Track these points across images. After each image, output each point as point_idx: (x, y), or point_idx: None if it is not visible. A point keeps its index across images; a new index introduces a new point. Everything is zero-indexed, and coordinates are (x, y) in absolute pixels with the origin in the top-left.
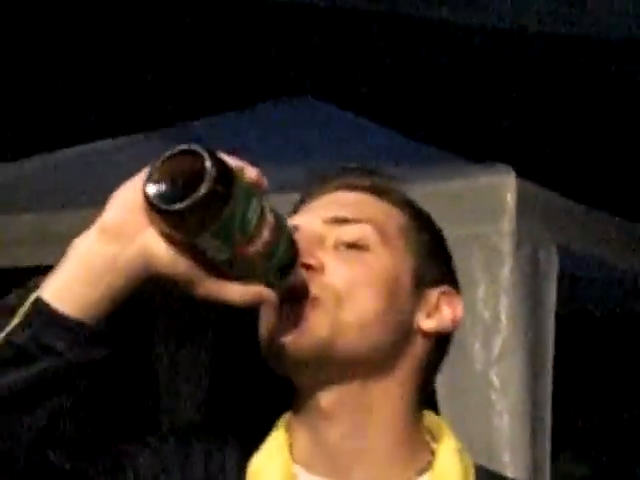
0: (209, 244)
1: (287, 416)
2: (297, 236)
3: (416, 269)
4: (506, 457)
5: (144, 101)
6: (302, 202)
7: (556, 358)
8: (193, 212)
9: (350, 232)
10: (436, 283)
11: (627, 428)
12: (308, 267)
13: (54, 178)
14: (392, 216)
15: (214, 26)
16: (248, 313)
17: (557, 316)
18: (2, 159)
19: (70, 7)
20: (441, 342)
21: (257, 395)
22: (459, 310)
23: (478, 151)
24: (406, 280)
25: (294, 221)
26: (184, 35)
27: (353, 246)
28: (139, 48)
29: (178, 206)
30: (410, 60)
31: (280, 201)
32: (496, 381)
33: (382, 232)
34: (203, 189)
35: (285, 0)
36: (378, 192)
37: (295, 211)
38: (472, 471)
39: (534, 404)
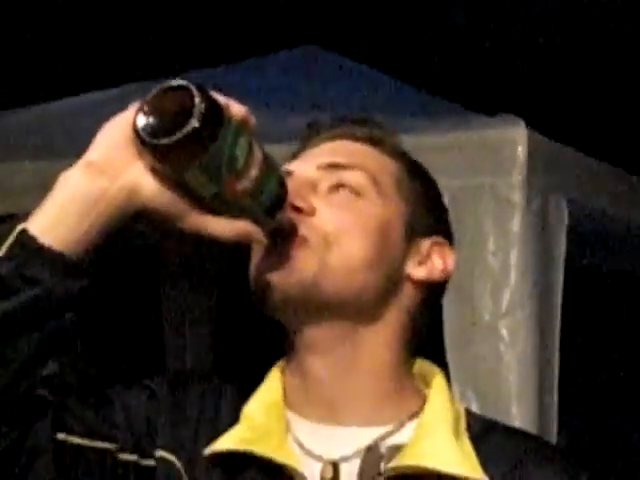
0: (197, 180)
1: (281, 362)
2: (290, 181)
3: (408, 218)
4: (514, 409)
5: (147, 50)
6: (299, 151)
7: (563, 312)
8: (181, 146)
9: (343, 178)
10: (428, 233)
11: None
12: (299, 210)
13: (59, 126)
14: (387, 165)
15: None
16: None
17: (565, 270)
18: (5, 107)
19: None
20: (432, 292)
21: (258, 340)
22: (450, 261)
23: (489, 104)
24: (397, 228)
25: (289, 167)
26: None
27: (345, 191)
28: None
29: (166, 140)
30: (420, 12)
31: (287, 151)
32: (505, 333)
33: (375, 180)
34: (191, 124)
35: None
36: (374, 142)
37: (293, 159)
38: (463, 417)
39: (542, 357)
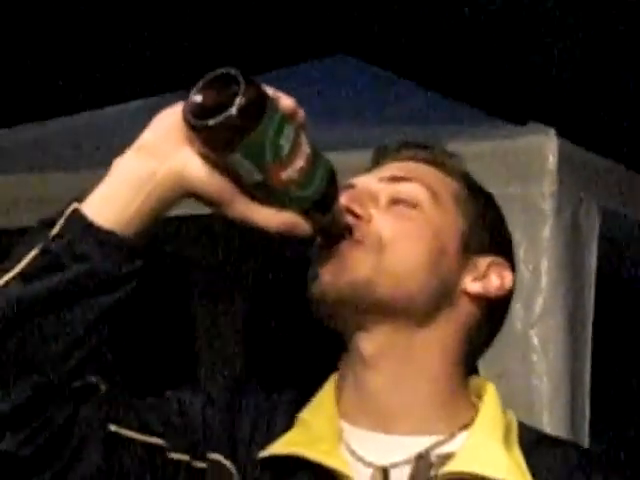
0: (241, 165)
1: (336, 374)
2: (351, 190)
3: (465, 233)
4: (545, 418)
5: (177, 62)
6: (366, 171)
7: (595, 321)
8: (223, 129)
9: (402, 189)
10: (486, 252)
11: None
12: (356, 216)
13: (89, 137)
14: (447, 183)
15: None
16: (286, 271)
17: (597, 279)
18: (32, 119)
19: None
20: (491, 309)
21: (288, 349)
22: (508, 281)
23: (520, 112)
24: (454, 242)
25: (352, 181)
26: None
27: (404, 202)
28: (172, 6)
29: (209, 122)
30: (449, 21)
31: None
32: (536, 341)
33: (434, 193)
34: (234, 108)
35: None
36: (436, 164)
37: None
38: (515, 428)
39: (573, 366)
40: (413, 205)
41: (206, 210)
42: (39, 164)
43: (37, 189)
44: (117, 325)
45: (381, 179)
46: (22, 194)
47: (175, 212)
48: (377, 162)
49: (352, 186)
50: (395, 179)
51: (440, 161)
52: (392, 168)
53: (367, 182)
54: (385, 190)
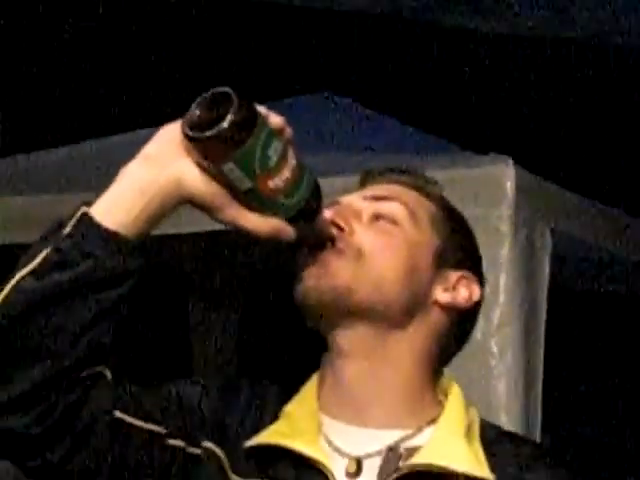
0: (233, 174)
1: (318, 372)
2: (337, 206)
3: (438, 249)
4: (502, 416)
5: (174, 95)
6: (360, 187)
7: (547, 330)
8: (218, 140)
9: (384, 207)
10: (457, 266)
11: (605, 398)
12: (340, 228)
13: (108, 160)
14: (424, 204)
15: (235, 28)
16: (273, 282)
17: (549, 292)
18: (60, 143)
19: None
20: (460, 318)
21: (285, 352)
22: (476, 294)
23: (483, 145)
24: (428, 257)
25: (343, 198)
26: (211, 34)
27: (385, 218)
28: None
29: (205, 134)
30: (422, 64)
31: None
32: (495, 349)
33: (412, 213)
34: (227, 122)
35: (301, 5)
36: (415, 187)
37: None
38: (477, 424)
39: (528, 370)
40: (393, 222)
41: (203, 228)
42: (59, 186)
43: (56, 208)
44: (121, 323)
45: (365, 198)
46: (42, 213)
47: (176, 230)
48: (362, 184)
49: (338, 203)
50: (377, 198)
51: (419, 185)
52: (375, 189)
53: (351, 200)
54: (368, 207)
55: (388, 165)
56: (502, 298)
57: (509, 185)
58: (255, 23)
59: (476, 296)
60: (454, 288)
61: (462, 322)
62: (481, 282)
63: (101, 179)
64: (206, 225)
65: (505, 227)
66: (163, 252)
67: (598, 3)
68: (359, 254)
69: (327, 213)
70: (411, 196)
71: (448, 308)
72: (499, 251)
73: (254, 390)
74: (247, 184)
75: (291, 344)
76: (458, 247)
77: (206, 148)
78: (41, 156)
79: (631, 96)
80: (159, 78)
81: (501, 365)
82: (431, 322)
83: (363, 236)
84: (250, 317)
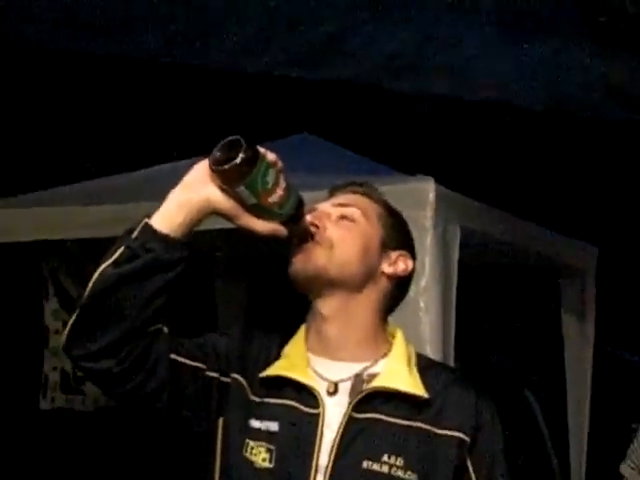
0: (243, 193)
1: (305, 324)
2: (315, 211)
3: (383, 237)
4: (428, 350)
5: (199, 139)
6: (326, 199)
7: (460, 292)
8: (232, 172)
9: (346, 210)
10: (396, 248)
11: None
12: (317, 227)
13: (164, 180)
14: (372, 206)
15: (240, 101)
16: (275, 262)
17: (465, 266)
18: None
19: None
20: (399, 283)
21: (283, 311)
22: (409, 266)
23: (413, 168)
24: (376, 242)
25: (317, 205)
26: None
27: (347, 218)
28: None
29: (225, 167)
30: (374, 112)
31: None
32: (422, 304)
33: (365, 213)
34: (238, 159)
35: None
36: (365, 194)
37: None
38: (414, 356)
39: (444, 319)
40: (352, 220)
41: (226, 225)
42: (135, 197)
43: (132, 212)
44: (171, 295)
45: (333, 204)
46: (124, 216)
47: (207, 227)
48: (331, 194)
49: (315, 209)
50: (342, 204)
51: (369, 193)
52: (340, 198)
53: (324, 206)
54: (335, 211)
55: (347, 181)
56: (427, 270)
57: (431, 196)
58: (259, 94)
59: (410, 268)
60: (395, 263)
61: (401, 286)
62: (413, 258)
63: (159, 193)
64: (226, 224)
65: (428, 224)
66: (198, 241)
67: (491, 71)
68: (330, 244)
69: (308, 217)
70: (364, 201)
71: (391, 277)
72: (425, 239)
73: (263, 338)
74: (253, 200)
75: (287, 305)
76: (397, 234)
77: (225, 177)
78: (121, 177)
79: (521, 135)
80: (191, 126)
81: (426, 315)
82: (380, 286)
83: (332, 231)
84: (257, 287)
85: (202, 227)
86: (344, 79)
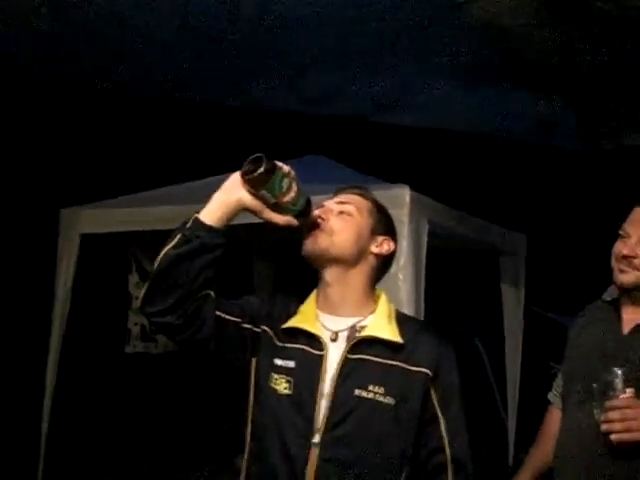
0: (266, 195)
1: (316, 289)
2: (321, 206)
3: (372, 226)
4: (406, 310)
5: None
6: (331, 198)
7: (428, 269)
8: (257, 179)
9: (345, 207)
10: (382, 233)
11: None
12: (322, 219)
13: (205, 189)
14: (364, 203)
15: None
16: (295, 244)
17: (432, 250)
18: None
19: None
20: (384, 260)
21: (300, 280)
22: (392, 247)
23: (394, 178)
24: (367, 230)
25: (324, 202)
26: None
27: (345, 213)
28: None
29: (252, 176)
30: (368, 136)
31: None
32: (401, 277)
33: (359, 208)
34: (260, 170)
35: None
36: (360, 194)
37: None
38: (394, 313)
39: (417, 288)
40: (349, 214)
41: (254, 220)
42: (189, 201)
43: (187, 212)
44: (221, 270)
45: (335, 202)
46: (180, 215)
47: (242, 222)
48: (335, 194)
49: (322, 205)
50: (342, 202)
51: (362, 193)
52: (341, 197)
53: (329, 203)
54: (337, 207)
55: (348, 185)
56: (404, 252)
57: (407, 199)
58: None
59: (392, 249)
60: (381, 245)
61: (385, 262)
62: (395, 242)
63: (205, 197)
64: (254, 219)
65: (405, 219)
66: (239, 232)
67: (475, 106)
68: (332, 232)
69: (316, 211)
70: (359, 199)
71: (378, 255)
72: (402, 230)
73: (285, 299)
74: (273, 200)
75: (303, 276)
76: (383, 224)
77: (251, 183)
78: (180, 187)
79: (471, 155)
80: (228, 152)
81: (404, 284)
82: (370, 262)
83: (334, 222)
84: (282, 264)
85: (237, 221)
86: (343, 115)
